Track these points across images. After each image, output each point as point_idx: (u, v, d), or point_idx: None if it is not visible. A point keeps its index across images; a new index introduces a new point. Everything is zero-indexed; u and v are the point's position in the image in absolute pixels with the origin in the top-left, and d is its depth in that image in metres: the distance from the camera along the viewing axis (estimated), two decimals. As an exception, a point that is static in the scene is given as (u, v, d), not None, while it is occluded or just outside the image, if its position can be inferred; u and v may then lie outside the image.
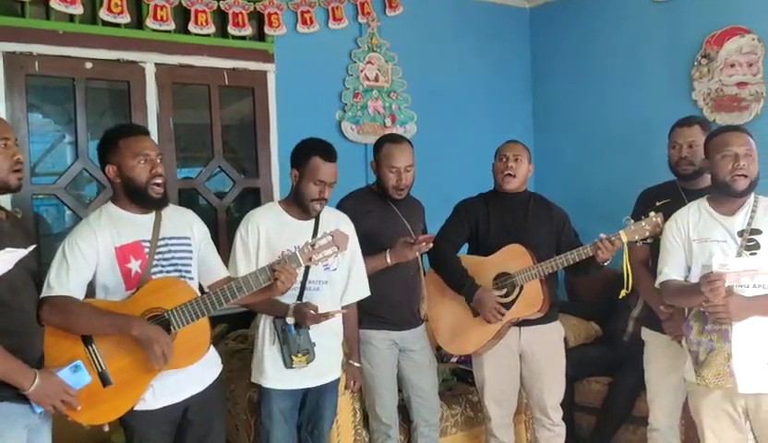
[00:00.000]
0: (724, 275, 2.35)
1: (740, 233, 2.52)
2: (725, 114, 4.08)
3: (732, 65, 4.07)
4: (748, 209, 2.55)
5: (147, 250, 2.33)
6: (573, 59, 4.87)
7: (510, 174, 3.17)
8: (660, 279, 2.68)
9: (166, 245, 2.38)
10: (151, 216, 2.38)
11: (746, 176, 2.50)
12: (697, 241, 2.60)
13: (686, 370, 2.60)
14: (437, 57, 4.65)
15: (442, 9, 4.68)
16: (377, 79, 4.39)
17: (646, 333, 3.12)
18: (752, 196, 2.58)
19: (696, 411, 2.65)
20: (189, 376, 2.36)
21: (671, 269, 2.65)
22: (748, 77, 4.02)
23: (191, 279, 2.43)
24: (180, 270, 2.39)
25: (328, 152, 2.71)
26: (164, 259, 2.36)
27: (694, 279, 2.54)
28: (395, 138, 3.18)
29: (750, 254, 2.47)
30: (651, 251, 3.01)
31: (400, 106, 4.46)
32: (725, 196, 2.58)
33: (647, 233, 2.85)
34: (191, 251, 2.45)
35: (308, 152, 2.70)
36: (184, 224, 2.47)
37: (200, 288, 2.49)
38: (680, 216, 2.68)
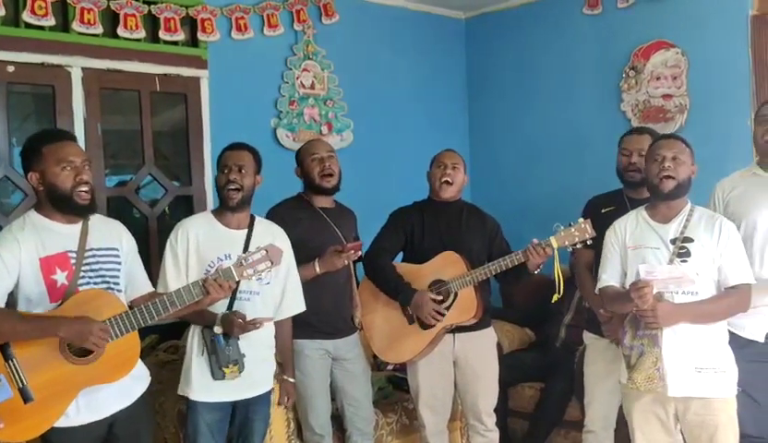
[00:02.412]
0: (651, 282, 2.41)
1: (673, 241, 2.59)
2: (652, 125, 4.18)
3: (658, 78, 4.21)
4: (682, 217, 2.62)
5: (73, 261, 2.25)
6: (508, 69, 4.95)
7: (447, 181, 3.20)
8: (599, 285, 2.74)
9: (94, 255, 2.30)
10: (78, 226, 2.30)
11: (672, 178, 2.57)
12: (632, 248, 2.66)
13: (620, 373, 2.66)
14: (373, 66, 4.66)
15: (378, 18, 4.70)
16: (313, 87, 4.37)
17: (587, 336, 3.18)
18: (688, 205, 2.65)
19: (628, 413, 2.72)
20: (116, 390, 2.29)
21: (609, 275, 2.71)
22: (672, 89, 4.16)
23: (119, 291, 2.36)
24: (108, 282, 2.32)
25: (233, 144, 2.79)
26: (92, 271, 2.29)
27: (629, 285, 2.59)
28: (313, 138, 3.22)
29: (681, 261, 2.54)
30: (595, 255, 3.08)
31: (336, 114, 4.45)
32: (657, 200, 2.66)
33: (576, 239, 2.92)
34: (119, 262, 2.38)
35: (220, 153, 2.79)
36: (112, 235, 2.40)
37: (126, 303, 2.42)
38: (619, 224, 2.75)
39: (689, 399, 2.53)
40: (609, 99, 4.39)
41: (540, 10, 4.73)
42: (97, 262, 2.30)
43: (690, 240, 2.57)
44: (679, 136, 2.78)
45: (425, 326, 3.14)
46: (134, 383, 2.38)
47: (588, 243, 2.95)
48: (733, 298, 2.54)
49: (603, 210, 3.02)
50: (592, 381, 3.13)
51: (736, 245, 2.57)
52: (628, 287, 2.56)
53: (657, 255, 2.59)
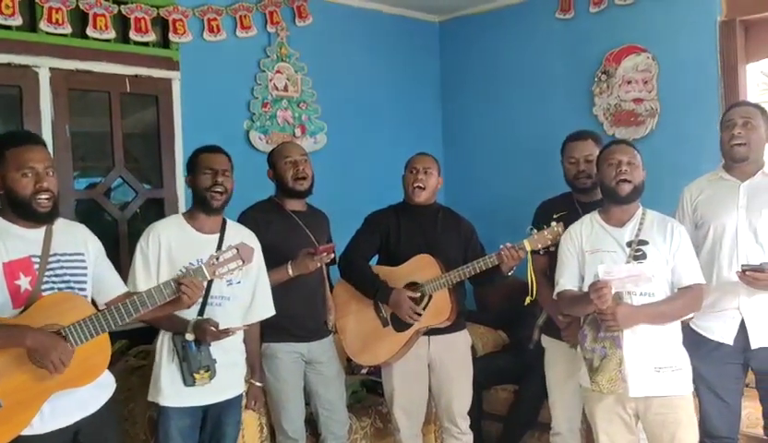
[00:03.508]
0: (609, 282, 2.45)
1: (629, 244, 2.63)
2: (623, 129, 4.25)
3: (629, 82, 4.25)
4: (636, 221, 2.67)
5: (37, 266, 2.20)
6: (482, 73, 4.97)
7: (419, 187, 3.20)
8: (557, 289, 2.77)
9: (58, 261, 2.25)
10: (41, 230, 2.24)
11: (629, 181, 2.63)
12: (589, 252, 2.69)
13: (581, 376, 2.69)
14: (347, 68, 4.64)
15: (352, 21, 4.69)
16: (286, 89, 4.34)
17: (546, 340, 3.20)
18: (640, 209, 2.71)
19: (591, 415, 2.75)
20: (81, 397, 2.24)
21: (566, 279, 2.73)
22: (643, 93, 4.20)
23: (85, 297, 2.31)
24: (73, 288, 2.27)
25: (212, 147, 2.76)
26: (56, 276, 2.23)
27: (587, 288, 2.62)
28: (286, 141, 3.20)
29: (638, 263, 2.59)
30: (549, 261, 3.10)
31: (310, 116, 4.43)
32: (612, 204, 2.70)
33: (549, 242, 2.94)
34: (85, 267, 2.33)
35: (194, 154, 2.77)
36: (77, 240, 2.34)
37: (95, 306, 2.36)
38: (574, 229, 2.78)
39: (649, 398, 2.58)
40: (581, 102, 4.42)
41: (513, 14, 4.75)
42: (61, 267, 2.26)
43: (645, 242, 2.63)
44: (630, 142, 2.87)
45: (399, 328, 3.13)
46: (99, 390, 2.33)
47: (551, 249, 2.97)
48: (687, 298, 2.60)
49: (555, 215, 3.04)
50: (554, 384, 3.16)
51: (687, 247, 2.64)
52: (586, 290, 2.59)
53: (614, 258, 2.63)
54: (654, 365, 2.56)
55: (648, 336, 2.56)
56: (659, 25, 4.10)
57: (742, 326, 2.71)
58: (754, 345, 2.69)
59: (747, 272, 2.58)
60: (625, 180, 2.63)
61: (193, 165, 2.74)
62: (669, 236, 2.63)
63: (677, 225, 2.68)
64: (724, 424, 2.73)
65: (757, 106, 2.86)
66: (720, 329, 2.73)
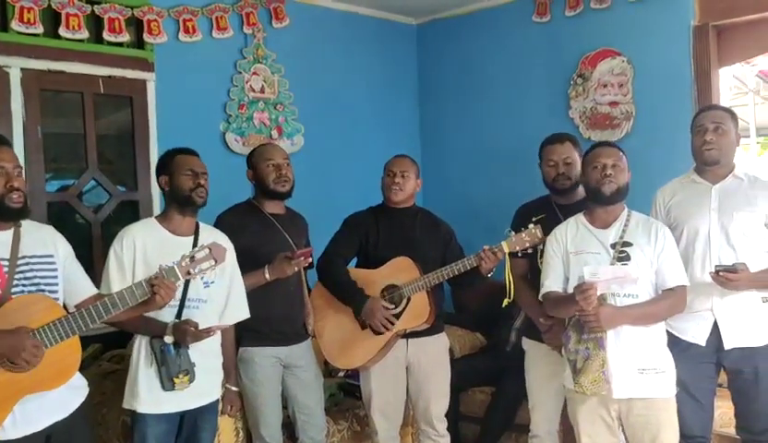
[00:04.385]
0: (595, 283, 2.46)
1: (613, 246, 2.65)
2: (599, 132, 4.28)
3: (605, 85, 4.28)
4: (620, 223, 2.69)
5: (6, 269, 2.16)
6: (459, 75, 4.98)
7: (396, 190, 3.20)
8: (542, 291, 2.77)
9: (27, 263, 2.22)
10: (9, 233, 2.21)
11: (614, 183, 2.65)
12: (574, 253, 2.71)
13: (565, 378, 2.69)
14: (324, 70, 4.63)
15: (329, 22, 4.68)
16: (263, 91, 4.31)
17: (527, 342, 3.21)
18: (625, 210, 2.72)
19: (573, 416, 2.75)
20: (53, 401, 2.21)
21: (552, 281, 2.74)
22: (619, 96, 4.24)
23: (56, 299, 2.27)
24: (43, 290, 2.23)
25: (187, 149, 2.75)
26: (26, 279, 2.20)
27: (572, 289, 2.63)
28: (267, 143, 3.20)
29: (622, 264, 2.60)
30: (529, 265, 3.11)
31: (287, 118, 4.41)
32: (596, 205, 2.71)
33: (527, 244, 2.95)
34: (55, 269, 2.29)
35: (170, 154, 2.75)
36: (46, 242, 2.31)
37: (66, 309, 2.33)
38: (559, 231, 2.79)
39: (631, 400, 2.59)
40: (558, 105, 4.45)
41: (490, 17, 4.78)
42: (31, 270, 2.22)
43: (629, 244, 2.64)
44: (615, 144, 2.87)
45: (377, 331, 3.12)
46: (71, 394, 2.30)
47: (540, 248, 2.98)
48: (671, 299, 2.62)
49: (533, 218, 3.05)
50: (534, 386, 3.17)
51: (671, 249, 2.66)
52: (571, 291, 2.60)
53: (598, 259, 2.64)
54: (637, 366, 2.57)
55: (632, 338, 2.58)
56: (634, 29, 4.14)
57: (715, 326, 2.74)
58: (727, 346, 2.72)
59: (720, 273, 2.60)
60: (610, 181, 2.64)
61: (169, 166, 2.70)
62: (654, 238, 2.64)
63: (661, 227, 2.69)
64: (697, 423, 2.75)
65: (727, 110, 2.90)
66: (693, 330, 2.75)
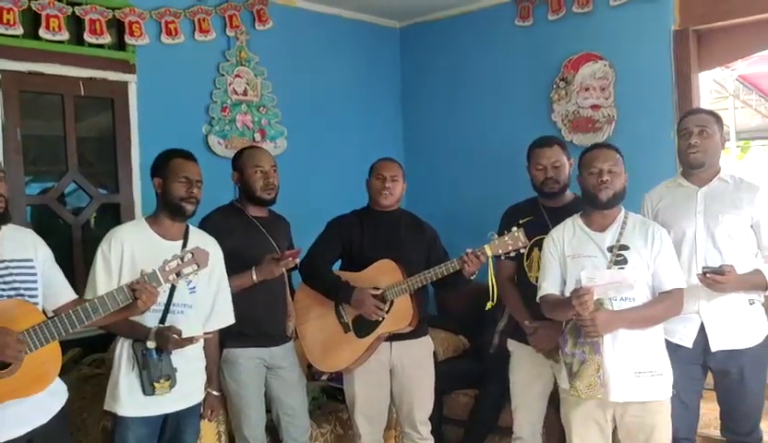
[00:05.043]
0: (591, 288, 2.47)
1: (610, 249, 2.65)
2: (581, 135, 4.31)
3: (587, 89, 4.30)
4: (617, 226, 2.69)
5: None
6: (442, 78, 4.99)
7: (387, 194, 3.19)
8: (540, 293, 2.78)
9: (6, 267, 2.20)
10: None
11: (610, 189, 2.65)
12: (571, 256, 2.71)
13: (561, 379, 2.70)
14: (307, 73, 4.62)
15: (313, 25, 4.67)
16: (245, 93, 4.29)
17: (512, 344, 3.22)
18: (623, 212, 2.72)
19: (566, 418, 2.76)
20: (32, 406, 2.19)
21: (549, 283, 2.75)
22: (601, 100, 4.26)
23: (36, 304, 2.25)
24: (23, 295, 2.22)
25: (187, 153, 2.71)
26: (5, 283, 2.18)
27: (569, 293, 2.65)
28: (253, 146, 3.21)
29: (619, 268, 2.61)
30: (517, 267, 3.11)
31: (269, 121, 4.39)
32: (593, 209, 2.72)
33: (510, 247, 2.95)
34: (35, 274, 2.27)
35: (168, 157, 2.69)
36: (26, 245, 2.29)
37: (44, 314, 2.30)
38: (556, 233, 2.80)
39: (628, 403, 2.60)
40: (540, 109, 4.47)
41: (473, 21, 4.79)
42: (10, 274, 2.20)
43: (625, 247, 2.64)
44: (611, 144, 2.84)
45: (360, 334, 3.12)
46: (51, 399, 2.28)
47: (521, 251, 2.99)
48: (667, 302, 2.62)
49: (520, 221, 3.06)
50: (518, 388, 3.18)
51: (668, 251, 2.66)
52: (568, 295, 2.61)
53: (595, 263, 2.64)
54: (634, 369, 2.57)
55: (629, 341, 2.58)
56: (616, 33, 4.17)
57: (702, 329, 2.76)
58: (714, 348, 2.75)
59: (707, 274, 2.62)
60: (606, 187, 2.64)
61: (165, 169, 2.67)
62: (650, 241, 2.64)
63: (658, 229, 2.69)
64: (683, 425, 2.77)
65: (711, 113, 2.91)
66: (680, 332, 2.77)
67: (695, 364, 2.78)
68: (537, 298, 2.80)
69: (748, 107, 9.50)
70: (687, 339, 2.77)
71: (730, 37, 3.96)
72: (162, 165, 2.69)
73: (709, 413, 3.06)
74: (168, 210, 2.65)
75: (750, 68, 7.63)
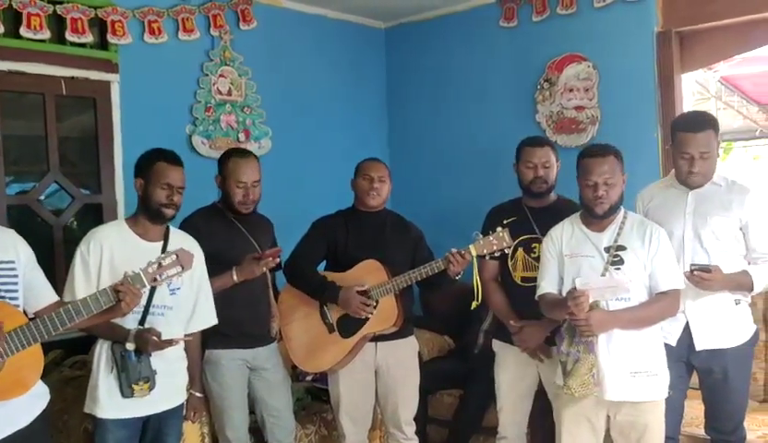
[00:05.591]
0: (587, 291, 2.48)
1: (607, 249, 2.66)
2: (565, 136, 4.32)
3: (571, 90, 4.32)
4: (615, 226, 2.70)
5: None
6: (427, 79, 4.99)
7: (375, 195, 3.19)
8: (538, 292, 2.79)
9: None
10: None
11: (605, 203, 2.64)
12: (568, 256, 2.72)
13: (557, 376, 2.70)
14: (292, 73, 4.60)
15: (297, 25, 4.65)
16: (230, 93, 4.27)
17: (497, 344, 3.22)
18: (621, 212, 2.73)
19: (558, 414, 2.78)
20: (14, 409, 2.16)
21: (547, 282, 2.76)
22: (584, 101, 4.28)
23: (17, 306, 2.22)
24: (3, 297, 2.18)
25: (172, 156, 2.66)
26: None
27: (566, 292, 2.66)
28: (241, 153, 3.15)
29: (615, 268, 2.62)
30: (501, 267, 3.12)
31: (254, 121, 4.37)
32: (591, 218, 2.72)
33: (495, 248, 2.96)
34: (16, 275, 2.23)
35: (152, 158, 2.64)
36: (7, 247, 2.25)
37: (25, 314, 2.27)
38: (555, 232, 2.81)
39: (621, 402, 2.61)
40: (524, 109, 4.48)
41: (458, 22, 4.79)
42: None
43: (623, 248, 2.65)
44: (609, 148, 2.75)
45: (345, 335, 3.11)
46: (33, 401, 2.25)
47: (506, 251, 3.00)
48: (663, 303, 2.63)
49: (505, 221, 3.07)
50: (503, 388, 3.18)
51: (666, 252, 2.66)
52: (564, 294, 2.63)
53: (592, 263, 2.66)
54: (629, 369, 2.58)
55: (624, 340, 2.59)
56: (599, 35, 4.19)
57: (687, 327, 2.77)
58: (698, 347, 2.76)
59: (695, 272, 2.63)
60: (601, 203, 2.64)
61: (147, 172, 2.62)
62: (648, 241, 2.65)
63: (656, 229, 2.69)
64: (668, 424, 2.78)
65: (712, 125, 2.78)
66: (665, 330, 2.77)
67: (680, 362, 2.79)
68: (536, 296, 2.81)
69: (730, 108, 9.59)
70: (671, 337, 2.78)
71: (712, 39, 3.99)
72: (145, 167, 2.64)
73: (693, 411, 3.07)
74: (147, 213, 2.63)
75: (732, 70, 7.69)
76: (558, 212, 2.90)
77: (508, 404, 3.16)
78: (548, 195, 3.11)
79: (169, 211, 2.62)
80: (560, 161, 3.16)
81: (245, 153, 3.13)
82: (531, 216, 3.07)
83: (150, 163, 2.64)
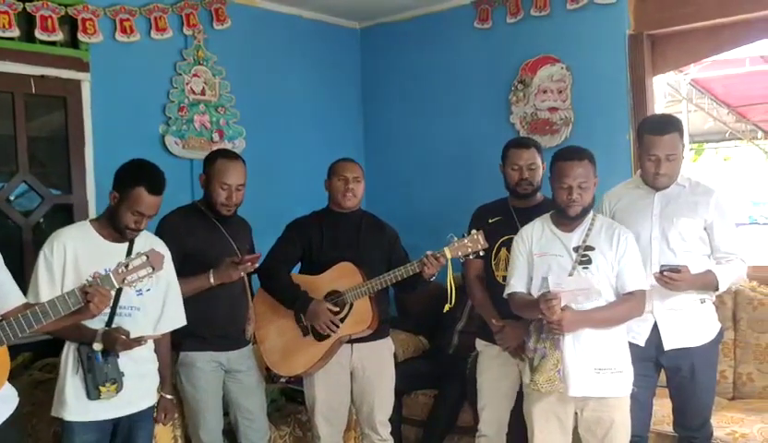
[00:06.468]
0: (559, 294, 2.52)
1: (576, 249, 2.70)
2: (539, 137, 4.32)
3: (544, 92, 4.35)
4: (584, 227, 2.74)
5: None
6: (402, 80, 4.99)
7: (350, 196, 3.17)
8: (507, 290, 2.82)
9: None
10: None
11: (578, 205, 2.69)
12: (538, 255, 2.76)
13: (524, 374, 2.74)
14: (267, 73, 4.57)
15: (272, 25, 4.63)
16: (203, 93, 4.23)
17: (479, 343, 3.25)
18: (591, 214, 2.77)
19: (528, 413, 2.81)
20: (-20, 414, 2.12)
21: (516, 281, 2.79)
22: (558, 102, 4.31)
23: None
24: None
25: (156, 184, 2.56)
26: None
27: (535, 290, 2.71)
28: (229, 155, 3.10)
29: (583, 268, 2.67)
30: (485, 265, 3.13)
31: (228, 121, 4.34)
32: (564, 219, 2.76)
33: (469, 249, 2.97)
34: None
35: (135, 180, 2.53)
36: None
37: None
38: (525, 231, 2.84)
39: (587, 398, 2.66)
40: (499, 111, 4.50)
41: (433, 23, 4.80)
42: None
43: (591, 248, 2.69)
44: (583, 152, 2.77)
45: (319, 338, 3.10)
46: (0, 405, 2.21)
47: (481, 254, 3.01)
48: (631, 303, 2.68)
49: (490, 220, 3.10)
50: (485, 387, 3.19)
51: (632, 253, 2.71)
52: (534, 293, 2.67)
53: (561, 262, 2.70)
54: (594, 366, 2.63)
55: (590, 338, 2.64)
56: (572, 37, 4.22)
57: (655, 328, 2.81)
58: (667, 347, 2.80)
59: (665, 273, 2.67)
60: (574, 205, 2.68)
61: (125, 192, 2.52)
62: (615, 243, 2.70)
63: (624, 232, 2.73)
64: (636, 423, 2.82)
65: (677, 128, 2.84)
66: (633, 331, 2.81)
67: (648, 361, 2.84)
68: (505, 294, 2.84)
69: (700, 110, 9.74)
70: (640, 337, 2.82)
71: (683, 42, 4.04)
72: (123, 186, 2.53)
73: (662, 410, 3.11)
74: (113, 226, 2.57)
75: (703, 73, 7.83)
76: (543, 213, 2.92)
77: (490, 403, 3.17)
78: (534, 196, 3.14)
79: (132, 234, 2.58)
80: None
81: (232, 155, 3.08)
82: (516, 216, 3.09)
83: (131, 185, 2.52)
